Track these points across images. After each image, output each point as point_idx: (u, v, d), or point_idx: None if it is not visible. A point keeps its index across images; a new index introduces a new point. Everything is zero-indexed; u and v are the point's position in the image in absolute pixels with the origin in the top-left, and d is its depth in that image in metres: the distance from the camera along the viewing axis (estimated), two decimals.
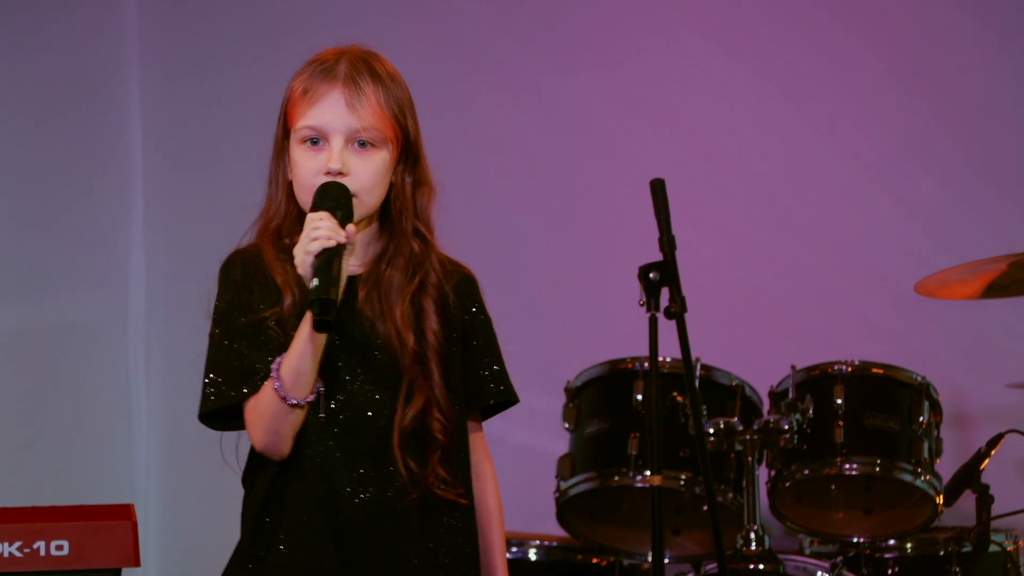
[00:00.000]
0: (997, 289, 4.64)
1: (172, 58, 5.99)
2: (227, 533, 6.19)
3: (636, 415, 4.69)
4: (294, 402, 2.91)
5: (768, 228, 5.60)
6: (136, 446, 5.90)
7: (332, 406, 2.97)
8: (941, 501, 4.64)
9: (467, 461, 3.06)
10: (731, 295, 5.50)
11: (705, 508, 4.70)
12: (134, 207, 5.94)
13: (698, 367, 4.70)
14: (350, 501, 2.96)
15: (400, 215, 3.04)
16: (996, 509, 4.59)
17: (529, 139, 5.75)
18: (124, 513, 3.17)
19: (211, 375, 3.00)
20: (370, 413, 2.98)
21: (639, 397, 4.69)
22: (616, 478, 4.68)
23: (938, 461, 4.73)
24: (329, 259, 2.85)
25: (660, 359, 3.78)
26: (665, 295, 3.62)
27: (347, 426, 2.97)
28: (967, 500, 4.62)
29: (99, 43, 5.90)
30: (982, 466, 4.57)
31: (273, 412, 2.93)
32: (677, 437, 4.63)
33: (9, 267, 5.65)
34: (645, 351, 3.65)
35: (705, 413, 4.65)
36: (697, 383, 4.67)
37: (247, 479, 3.09)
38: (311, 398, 2.93)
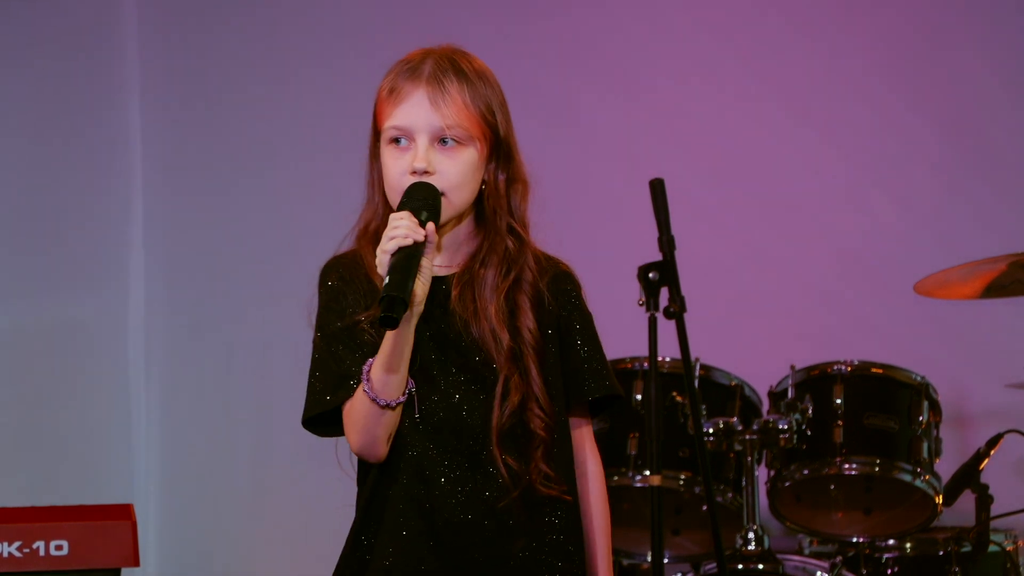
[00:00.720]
0: (997, 289, 4.64)
1: (173, 59, 5.99)
2: (227, 533, 6.22)
3: (635, 415, 4.69)
4: (385, 403, 2.90)
5: (768, 228, 5.60)
6: (136, 446, 5.90)
7: (426, 406, 2.96)
8: (940, 501, 4.64)
9: (570, 457, 3.03)
10: (731, 295, 5.51)
11: (704, 508, 4.70)
12: (134, 207, 5.94)
13: (697, 367, 4.70)
14: (447, 501, 2.95)
15: (494, 213, 3.03)
16: (995, 509, 4.59)
17: (529, 139, 5.74)
18: (124, 513, 3.18)
19: (314, 383, 3.00)
20: (465, 412, 2.97)
21: (638, 397, 4.69)
22: (615, 478, 4.68)
23: (937, 461, 4.73)
24: (406, 257, 2.84)
25: (659, 359, 3.79)
26: (664, 295, 3.62)
27: (443, 426, 2.96)
28: (967, 500, 4.62)
29: (99, 44, 5.90)
30: (981, 466, 4.57)
31: (366, 415, 2.92)
32: (676, 437, 4.63)
33: (9, 267, 5.65)
34: (644, 351, 3.65)
35: (704, 413, 4.66)
36: (696, 383, 4.68)
37: (359, 480, 3.06)
38: (402, 399, 2.92)
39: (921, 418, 4.71)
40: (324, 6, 5.87)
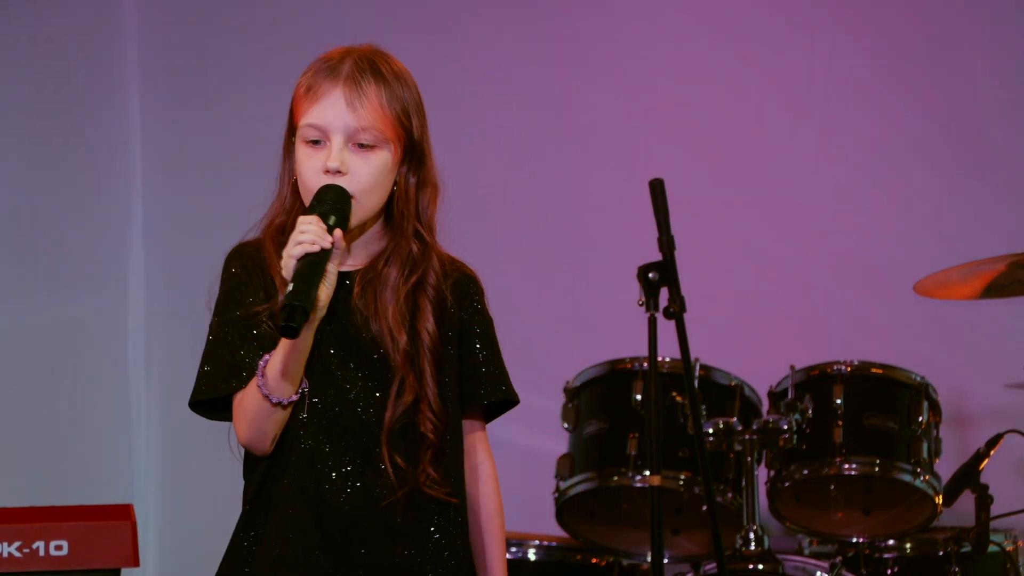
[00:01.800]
0: (997, 289, 4.64)
1: (173, 59, 5.99)
2: (227, 533, 6.19)
3: (635, 415, 4.69)
4: (277, 401, 2.93)
5: (768, 228, 5.60)
6: (136, 446, 5.90)
7: (321, 400, 2.97)
8: (940, 501, 4.64)
9: (460, 461, 3.05)
10: (731, 295, 5.50)
11: (704, 508, 4.70)
12: (134, 207, 5.94)
13: (697, 367, 4.69)
14: (336, 497, 2.96)
15: (402, 216, 3.03)
16: (995, 509, 4.58)
17: (529, 138, 5.75)
18: (124, 513, 3.17)
19: (205, 366, 3.02)
20: (359, 409, 2.98)
21: (638, 397, 4.69)
22: (615, 478, 4.68)
23: (937, 461, 4.73)
24: (310, 265, 2.85)
25: (659, 359, 3.79)
26: (664, 295, 3.62)
27: (336, 421, 2.98)
28: (966, 500, 4.61)
29: (99, 44, 5.90)
30: (981, 466, 4.57)
31: (257, 409, 2.95)
32: (676, 437, 4.63)
33: (9, 267, 5.65)
34: (644, 351, 3.66)
35: (704, 413, 4.65)
36: (696, 383, 4.67)
37: (245, 472, 3.10)
38: (295, 398, 2.94)
39: (921, 418, 4.71)
40: (324, 6, 5.87)
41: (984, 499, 4.57)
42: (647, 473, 3.66)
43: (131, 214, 5.93)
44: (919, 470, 4.65)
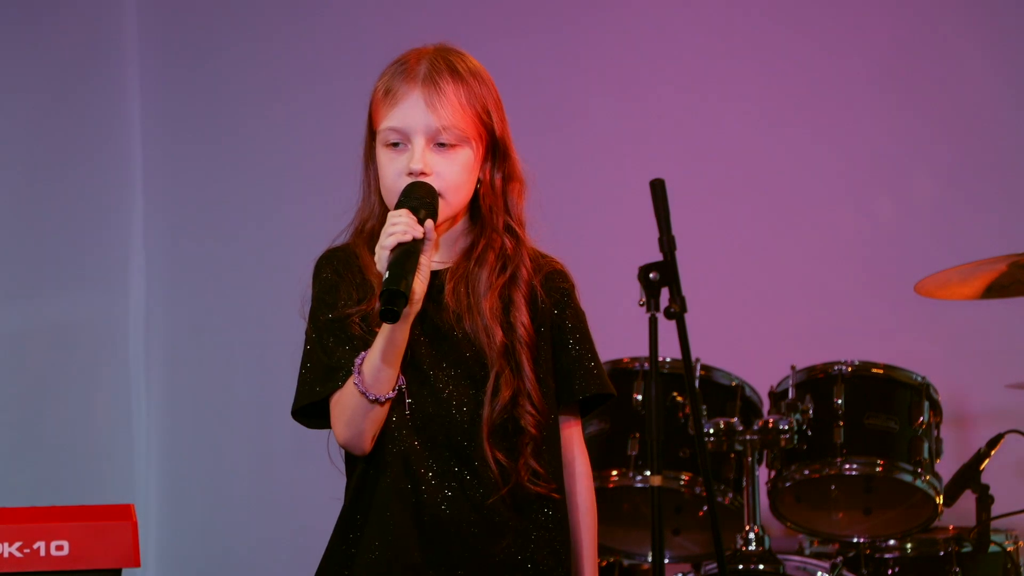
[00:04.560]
0: (997, 289, 4.64)
1: (172, 59, 5.99)
2: (228, 533, 6.21)
3: (636, 415, 4.69)
4: (374, 398, 2.92)
5: (768, 228, 5.60)
6: (136, 446, 5.90)
7: (416, 401, 2.96)
8: (941, 501, 4.64)
9: (559, 456, 3.04)
10: (732, 295, 5.51)
11: (705, 508, 4.70)
12: (134, 207, 5.94)
13: (698, 367, 4.70)
14: (434, 496, 2.95)
15: (490, 211, 3.04)
16: (996, 509, 4.59)
17: (529, 138, 5.74)
18: (124, 513, 3.17)
19: (303, 372, 3.02)
20: (455, 408, 2.97)
21: (639, 397, 4.69)
22: (616, 478, 4.68)
23: (938, 461, 4.73)
24: (404, 254, 2.85)
25: (660, 359, 3.78)
26: (665, 295, 3.62)
27: (431, 420, 2.97)
28: (967, 500, 4.62)
29: (98, 42, 5.90)
30: (982, 466, 4.57)
31: (354, 408, 2.94)
32: (677, 437, 4.63)
33: (9, 267, 5.64)
34: (645, 351, 3.65)
35: (705, 413, 4.66)
36: (697, 383, 4.68)
37: (347, 475, 3.07)
38: (392, 395, 2.93)
39: (921, 418, 4.71)
40: (325, 6, 5.87)
41: (985, 499, 4.58)
42: (648, 473, 3.66)
43: (132, 215, 5.93)
44: (920, 470, 4.65)
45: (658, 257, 3.60)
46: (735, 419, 4.62)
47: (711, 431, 4.59)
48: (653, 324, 3.61)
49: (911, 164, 5.57)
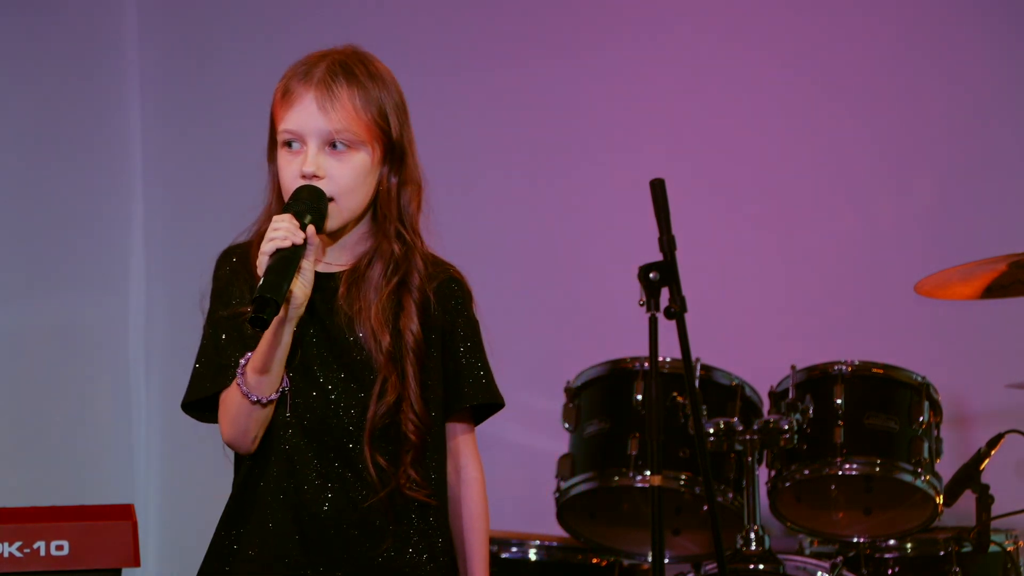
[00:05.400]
0: (997, 289, 4.64)
1: (173, 59, 5.99)
2: None
3: (636, 415, 4.69)
4: (256, 399, 2.95)
5: (768, 228, 5.60)
6: (136, 446, 5.89)
7: (303, 401, 2.99)
8: (941, 501, 4.64)
9: (442, 463, 3.06)
10: (731, 295, 5.50)
11: (705, 508, 4.70)
12: (134, 207, 5.94)
13: (698, 367, 4.69)
14: (315, 497, 2.98)
15: (384, 217, 3.05)
16: (996, 509, 4.58)
17: (529, 138, 5.75)
18: (124, 513, 3.17)
19: (196, 366, 3.07)
20: (342, 410, 2.99)
21: (639, 397, 4.69)
22: (616, 478, 4.68)
23: (938, 461, 4.73)
24: (282, 260, 2.87)
25: (660, 359, 3.79)
26: (665, 295, 3.63)
27: (317, 422, 2.99)
28: (967, 500, 4.61)
29: (99, 41, 5.90)
30: (982, 466, 4.57)
31: (238, 407, 2.97)
32: (677, 437, 4.63)
33: (9, 267, 5.64)
34: (645, 351, 3.66)
35: (705, 413, 4.65)
36: (697, 383, 4.67)
37: (234, 472, 3.12)
38: (275, 396, 2.96)
39: (921, 418, 4.71)
40: (325, 6, 5.87)
41: (985, 499, 4.57)
42: (648, 473, 3.66)
43: (132, 216, 5.93)
44: (920, 470, 4.64)
45: (658, 257, 3.60)
46: (735, 419, 4.62)
47: (711, 431, 4.59)
48: (653, 324, 3.61)
49: (911, 164, 5.56)
